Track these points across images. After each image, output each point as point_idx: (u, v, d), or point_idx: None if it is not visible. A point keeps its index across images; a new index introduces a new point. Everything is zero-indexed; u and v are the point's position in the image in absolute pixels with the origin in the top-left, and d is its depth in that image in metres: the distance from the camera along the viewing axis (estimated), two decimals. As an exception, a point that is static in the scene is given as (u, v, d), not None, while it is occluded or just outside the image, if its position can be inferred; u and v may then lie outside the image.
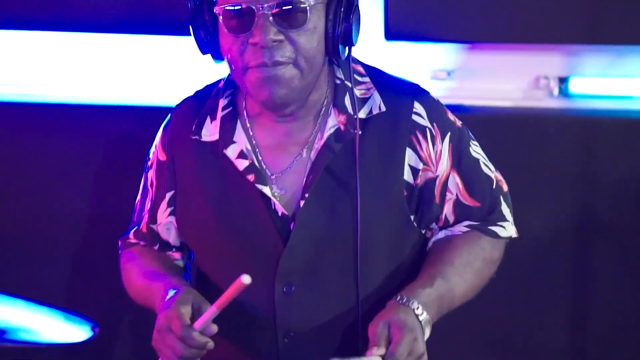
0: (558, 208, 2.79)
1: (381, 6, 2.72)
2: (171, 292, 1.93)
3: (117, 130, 2.81)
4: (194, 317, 1.87)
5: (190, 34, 1.98)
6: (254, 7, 1.87)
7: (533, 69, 2.87)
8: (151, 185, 2.15)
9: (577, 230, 2.79)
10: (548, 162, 2.78)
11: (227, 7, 1.90)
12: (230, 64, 1.95)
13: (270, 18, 1.88)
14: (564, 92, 2.83)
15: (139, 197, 2.21)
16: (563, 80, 2.82)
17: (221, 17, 1.91)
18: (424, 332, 1.90)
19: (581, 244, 2.79)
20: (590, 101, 2.85)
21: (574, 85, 2.81)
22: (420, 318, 1.91)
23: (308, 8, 1.89)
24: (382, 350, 1.84)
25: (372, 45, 2.74)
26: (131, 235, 2.20)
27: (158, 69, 2.87)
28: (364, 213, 1.97)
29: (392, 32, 2.74)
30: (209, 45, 1.98)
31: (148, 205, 2.17)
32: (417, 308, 1.91)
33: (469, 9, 2.70)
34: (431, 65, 2.84)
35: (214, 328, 1.84)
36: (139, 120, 2.76)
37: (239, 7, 1.89)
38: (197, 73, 2.67)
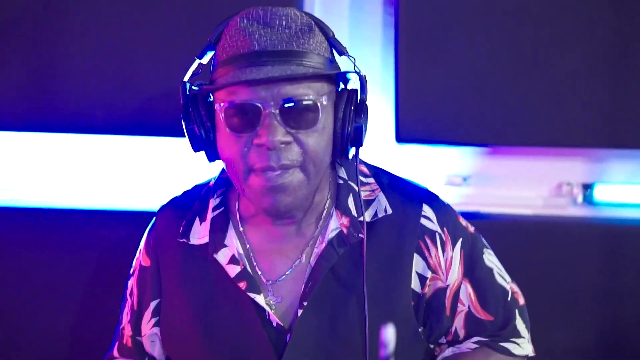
0: (582, 324, 2.77)
1: (392, 106, 2.71)
2: None
3: (106, 237, 2.81)
4: None
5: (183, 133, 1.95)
6: (259, 105, 1.84)
7: (555, 175, 2.88)
8: (131, 294, 2.12)
9: (603, 350, 2.75)
10: (571, 275, 2.78)
11: (230, 104, 1.86)
12: (229, 165, 1.92)
13: (279, 117, 1.84)
14: (588, 200, 2.84)
15: (121, 309, 2.20)
16: (587, 187, 2.83)
17: (222, 114, 1.87)
18: None
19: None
20: (617, 209, 2.85)
21: (599, 193, 2.83)
22: None
23: (320, 107, 1.86)
24: None
25: (382, 148, 2.73)
26: (115, 351, 2.18)
27: (147, 172, 2.91)
28: (368, 325, 1.93)
29: (404, 135, 2.76)
30: (204, 143, 1.94)
31: (128, 315, 2.14)
32: None
33: (486, 110, 2.72)
34: (446, 170, 2.85)
35: None
36: (127, 226, 2.73)
37: (244, 104, 1.84)
38: (189, 175, 2.67)
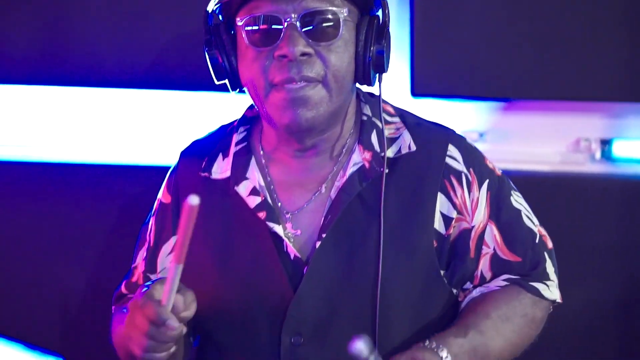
0: (600, 281, 2.78)
1: (407, 59, 2.70)
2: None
3: (119, 191, 2.83)
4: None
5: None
6: (280, 17, 1.88)
7: (573, 130, 2.87)
8: (149, 232, 2.11)
9: (621, 306, 2.78)
10: (589, 231, 2.79)
11: (250, 18, 1.90)
12: (251, 85, 1.95)
13: (299, 29, 1.88)
14: (606, 156, 2.83)
15: (135, 252, 2.21)
16: (606, 143, 2.83)
17: (244, 31, 1.91)
18: None
19: (626, 320, 2.75)
20: (636, 165, 2.84)
21: (617, 148, 2.83)
22: None
23: (341, 20, 1.90)
24: None
25: (397, 102, 2.70)
26: (123, 287, 2.20)
27: (165, 126, 2.90)
28: (385, 261, 1.95)
29: (419, 89, 2.77)
30: (226, 71, 1.98)
31: (144, 254, 2.16)
32: (447, 357, 1.88)
33: (503, 64, 2.73)
34: (461, 126, 2.82)
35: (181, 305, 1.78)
36: (140, 181, 2.72)
37: (264, 15, 1.89)
38: (203, 129, 2.67)
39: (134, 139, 2.90)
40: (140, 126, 2.90)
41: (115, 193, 2.81)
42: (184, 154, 2.17)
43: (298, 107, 1.89)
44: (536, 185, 2.79)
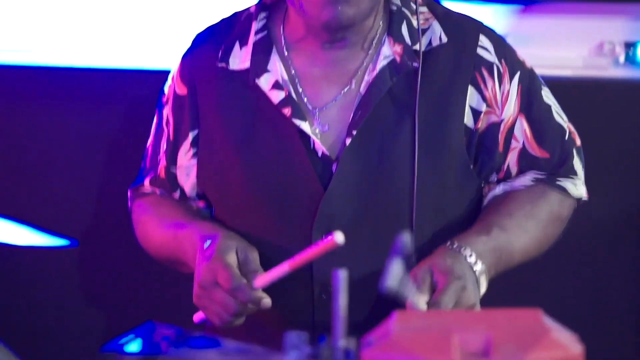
0: (624, 190, 2.80)
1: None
2: (208, 242, 1.87)
3: (128, 95, 2.85)
4: (241, 266, 1.83)
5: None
6: None
7: (596, 33, 2.83)
8: (167, 123, 2.10)
9: None
10: (612, 138, 2.79)
11: None
12: None
13: None
14: (631, 60, 2.82)
15: (150, 140, 2.17)
16: (630, 46, 2.82)
17: None
18: (478, 284, 1.85)
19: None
20: (662, 69, 2.80)
21: None
22: (475, 268, 1.85)
23: None
24: (424, 298, 1.76)
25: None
26: (146, 183, 2.16)
27: (173, 30, 2.84)
28: (418, 157, 1.92)
29: (436, -10, 2.64)
30: None
31: (164, 146, 2.11)
32: (470, 256, 1.86)
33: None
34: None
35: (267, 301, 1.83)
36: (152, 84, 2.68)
37: None
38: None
39: (137, 42, 2.85)
40: (143, 29, 2.84)
41: (119, 97, 2.81)
42: (197, 40, 2.10)
43: (339, 3, 1.83)
44: (558, 90, 2.70)
